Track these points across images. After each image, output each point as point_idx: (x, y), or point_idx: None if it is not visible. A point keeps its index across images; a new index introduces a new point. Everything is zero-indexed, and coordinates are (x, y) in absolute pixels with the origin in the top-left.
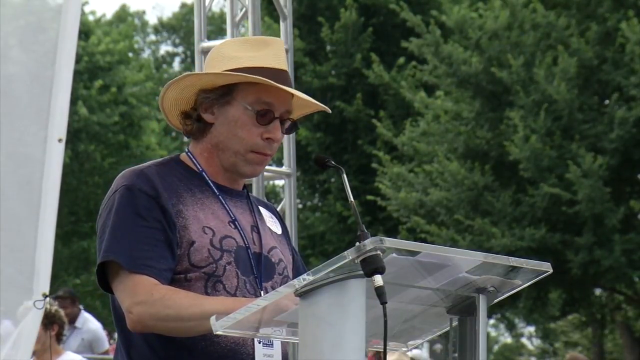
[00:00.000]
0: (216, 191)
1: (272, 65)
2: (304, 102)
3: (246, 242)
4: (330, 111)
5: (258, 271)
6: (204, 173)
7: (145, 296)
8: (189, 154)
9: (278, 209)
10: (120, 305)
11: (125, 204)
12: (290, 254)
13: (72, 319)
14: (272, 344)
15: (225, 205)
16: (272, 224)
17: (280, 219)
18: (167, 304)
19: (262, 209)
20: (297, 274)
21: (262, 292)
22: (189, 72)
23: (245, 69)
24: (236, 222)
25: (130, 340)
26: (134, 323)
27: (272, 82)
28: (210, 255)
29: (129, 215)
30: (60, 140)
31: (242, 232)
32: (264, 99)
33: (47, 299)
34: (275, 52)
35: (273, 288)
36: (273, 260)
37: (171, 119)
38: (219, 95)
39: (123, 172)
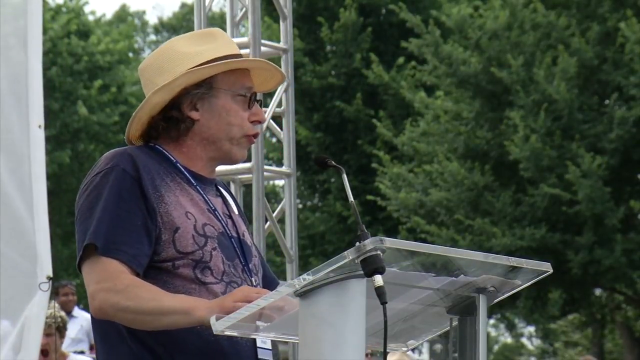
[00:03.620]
0: (192, 180)
1: (233, 52)
2: (265, 80)
3: (225, 229)
4: (285, 77)
5: (242, 255)
6: (178, 164)
7: (109, 284)
8: (158, 146)
9: (278, 209)
10: None
11: (110, 186)
12: (250, 233)
13: (71, 309)
14: (266, 339)
15: (202, 193)
16: (233, 205)
17: (233, 196)
18: (129, 295)
19: (222, 191)
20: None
21: (247, 275)
22: (183, 72)
23: (215, 59)
24: (214, 210)
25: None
26: (95, 310)
27: (266, 61)
28: (195, 242)
29: (112, 198)
30: (40, 127)
31: (219, 219)
32: (246, 83)
33: (51, 281)
34: (227, 40)
35: (253, 271)
36: (248, 243)
37: (136, 127)
38: (203, 91)
39: (105, 155)
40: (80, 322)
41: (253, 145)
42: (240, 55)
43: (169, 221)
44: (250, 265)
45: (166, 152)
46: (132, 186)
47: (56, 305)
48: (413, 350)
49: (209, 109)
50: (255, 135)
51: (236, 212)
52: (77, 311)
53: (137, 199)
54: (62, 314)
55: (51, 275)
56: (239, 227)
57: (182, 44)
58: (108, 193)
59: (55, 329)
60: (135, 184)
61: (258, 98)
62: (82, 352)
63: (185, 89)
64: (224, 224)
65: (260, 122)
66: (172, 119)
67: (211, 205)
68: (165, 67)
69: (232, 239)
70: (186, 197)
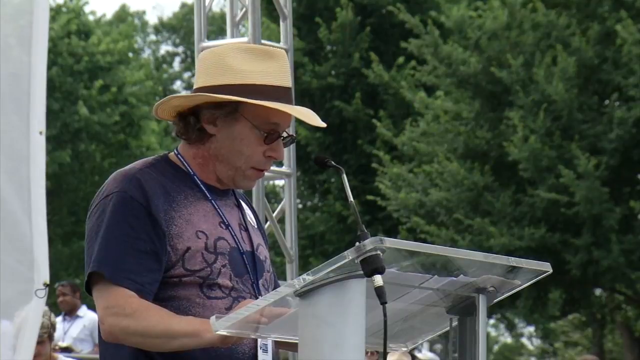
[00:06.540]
0: (207, 193)
1: (278, 83)
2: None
3: (238, 243)
4: (324, 125)
5: (253, 270)
6: (195, 176)
7: (118, 309)
8: (179, 155)
9: (278, 209)
10: None
11: (116, 212)
12: (266, 247)
13: (73, 309)
14: (267, 349)
15: (216, 206)
16: (251, 217)
17: (253, 208)
18: (137, 319)
19: (241, 202)
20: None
21: (256, 290)
22: (203, 93)
23: (251, 85)
24: (227, 224)
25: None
26: (105, 334)
27: (285, 107)
28: (204, 260)
29: (118, 225)
30: (41, 133)
31: (233, 233)
32: (271, 120)
33: (47, 288)
34: (280, 66)
35: (264, 286)
36: (261, 257)
37: (163, 114)
38: (226, 112)
39: (114, 175)
40: (83, 322)
41: None
42: (286, 90)
43: (180, 242)
44: (260, 280)
45: (184, 164)
46: (140, 213)
47: (47, 310)
48: (411, 351)
49: (227, 130)
50: (265, 170)
51: (253, 223)
52: (83, 311)
53: (144, 226)
54: (54, 319)
55: (48, 282)
56: (254, 240)
57: (232, 56)
58: (115, 220)
59: (47, 337)
60: (143, 211)
61: (286, 134)
62: (67, 349)
63: (207, 103)
64: (237, 239)
65: (275, 158)
66: (189, 123)
67: (225, 219)
68: (210, 71)
69: (244, 254)
70: (199, 213)
